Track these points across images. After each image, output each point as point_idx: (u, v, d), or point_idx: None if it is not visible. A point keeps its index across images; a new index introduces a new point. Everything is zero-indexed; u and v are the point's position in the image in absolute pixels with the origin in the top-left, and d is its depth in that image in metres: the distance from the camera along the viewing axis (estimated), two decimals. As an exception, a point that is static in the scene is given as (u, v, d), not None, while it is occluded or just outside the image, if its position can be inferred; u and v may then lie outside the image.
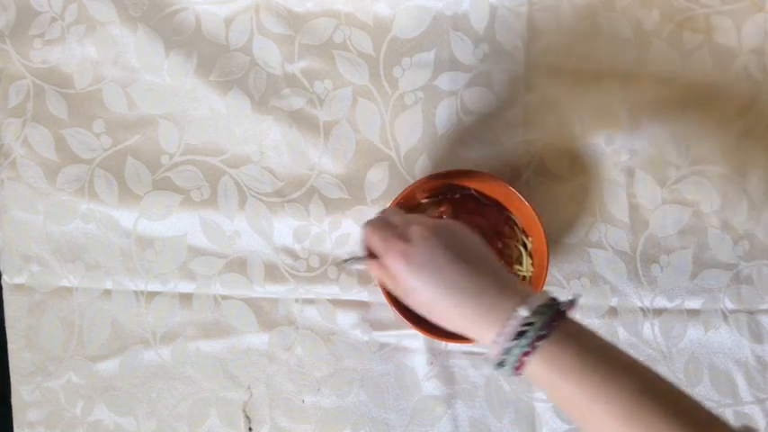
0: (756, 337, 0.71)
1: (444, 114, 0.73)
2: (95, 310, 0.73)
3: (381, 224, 0.51)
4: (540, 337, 0.42)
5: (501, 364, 0.44)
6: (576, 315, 0.60)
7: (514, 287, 0.46)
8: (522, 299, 0.44)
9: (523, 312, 0.43)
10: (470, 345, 0.71)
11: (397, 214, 0.54)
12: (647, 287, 0.71)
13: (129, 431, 0.73)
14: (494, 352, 0.44)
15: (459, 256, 0.46)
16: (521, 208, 0.66)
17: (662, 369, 0.71)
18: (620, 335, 0.71)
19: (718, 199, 0.72)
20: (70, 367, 0.73)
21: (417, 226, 0.49)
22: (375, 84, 0.73)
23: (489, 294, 0.45)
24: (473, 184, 0.68)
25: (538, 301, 0.44)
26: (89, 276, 0.73)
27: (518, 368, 0.44)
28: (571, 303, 0.46)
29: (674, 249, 0.72)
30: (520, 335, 0.43)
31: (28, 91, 0.74)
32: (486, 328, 0.44)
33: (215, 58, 0.73)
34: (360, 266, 0.48)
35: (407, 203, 0.67)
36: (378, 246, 0.50)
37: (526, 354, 0.43)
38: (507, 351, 0.43)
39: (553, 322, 0.43)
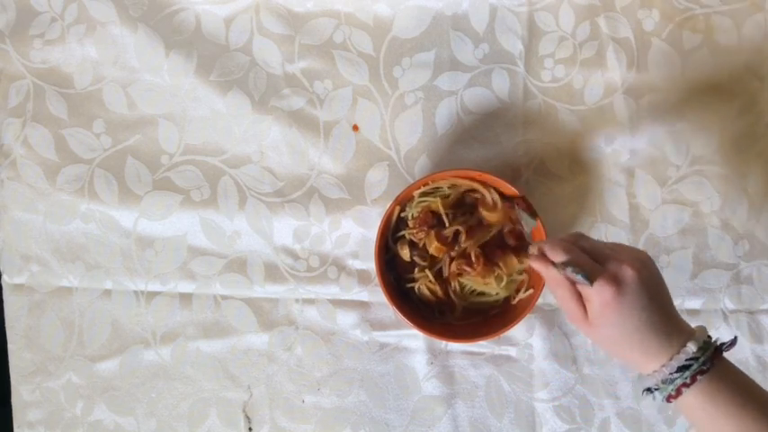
0: (756, 337, 0.71)
1: (444, 114, 0.73)
2: (95, 310, 0.73)
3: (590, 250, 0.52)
4: (701, 372, 0.47)
5: (656, 389, 0.49)
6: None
7: (681, 323, 0.51)
8: (689, 335, 0.49)
9: (692, 348, 0.48)
10: (470, 344, 0.71)
11: (598, 242, 0.54)
12: (647, 287, 0.71)
13: (129, 431, 0.73)
14: (654, 379, 0.49)
15: (653, 297, 0.50)
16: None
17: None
18: (620, 335, 0.71)
19: (718, 199, 0.72)
20: (70, 367, 0.73)
21: (630, 269, 0.49)
22: (375, 84, 0.73)
23: (663, 329, 0.49)
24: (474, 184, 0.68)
25: (702, 338, 0.49)
26: (89, 276, 0.73)
27: (673, 397, 0.49)
28: (731, 344, 0.51)
29: (674, 249, 0.72)
30: (684, 368, 0.48)
31: (28, 91, 0.74)
32: (653, 357, 0.49)
33: (215, 58, 0.73)
34: (578, 278, 0.49)
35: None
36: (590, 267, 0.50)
37: (686, 385, 0.48)
38: (669, 381, 0.48)
39: (713, 359, 0.48)
